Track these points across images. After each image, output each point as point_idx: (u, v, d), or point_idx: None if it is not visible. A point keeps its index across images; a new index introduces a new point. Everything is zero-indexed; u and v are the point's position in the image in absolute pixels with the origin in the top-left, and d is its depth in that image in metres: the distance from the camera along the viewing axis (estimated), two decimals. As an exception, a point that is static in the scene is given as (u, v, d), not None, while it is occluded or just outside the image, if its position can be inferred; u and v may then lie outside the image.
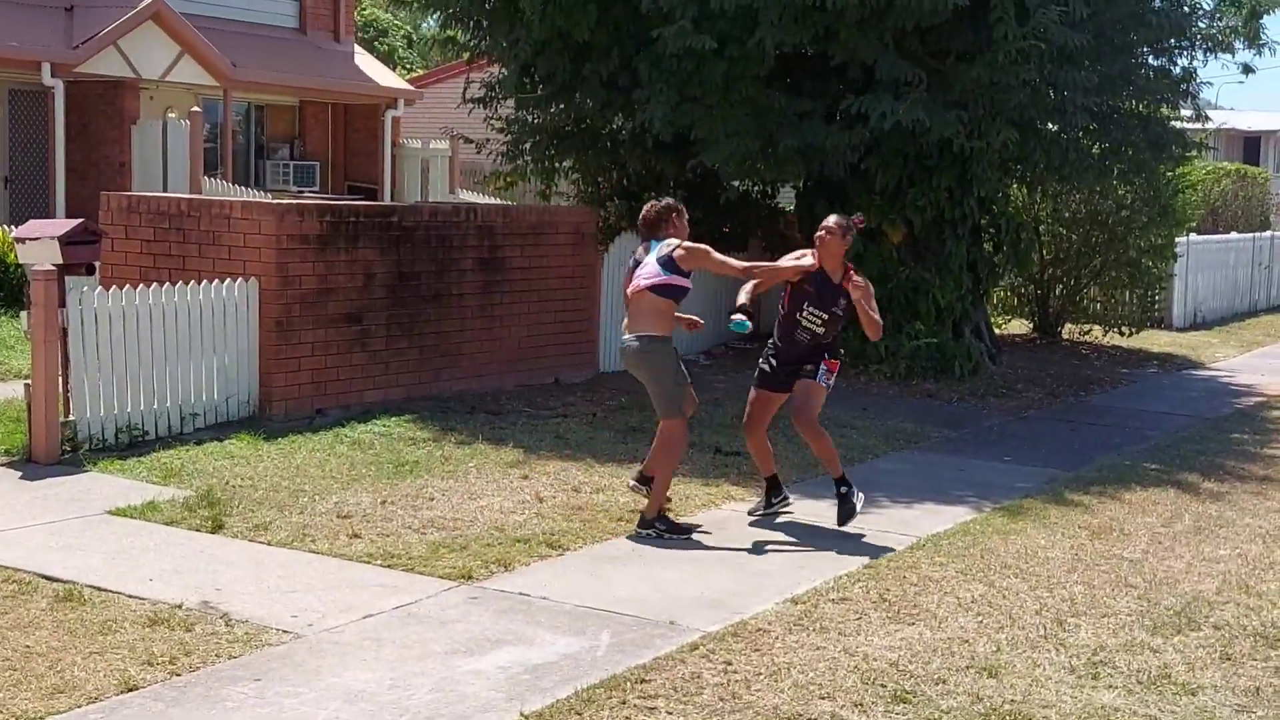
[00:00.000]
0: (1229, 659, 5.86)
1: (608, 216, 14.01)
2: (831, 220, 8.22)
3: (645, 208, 8.06)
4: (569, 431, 10.47)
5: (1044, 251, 17.42)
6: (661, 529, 7.72)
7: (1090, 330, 18.01)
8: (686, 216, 8.10)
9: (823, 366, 8.18)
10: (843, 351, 8.29)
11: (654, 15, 11.92)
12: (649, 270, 7.78)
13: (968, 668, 5.67)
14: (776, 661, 5.69)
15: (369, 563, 6.95)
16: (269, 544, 7.22)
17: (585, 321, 13.27)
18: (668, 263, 7.75)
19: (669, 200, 8.12)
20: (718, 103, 12.20)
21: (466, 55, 15.16)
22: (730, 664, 5.65)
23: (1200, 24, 14.45)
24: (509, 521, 7.82)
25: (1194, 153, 15.95)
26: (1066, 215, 17.55)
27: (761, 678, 5.50)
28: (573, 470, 9.14)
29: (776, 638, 5.99)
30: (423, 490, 8.43)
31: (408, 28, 43.80)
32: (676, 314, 7.99)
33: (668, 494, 7.99)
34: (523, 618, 6.20)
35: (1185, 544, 7.79)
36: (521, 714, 5.08)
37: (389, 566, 6.89)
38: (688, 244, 7.87)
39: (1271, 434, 11.61)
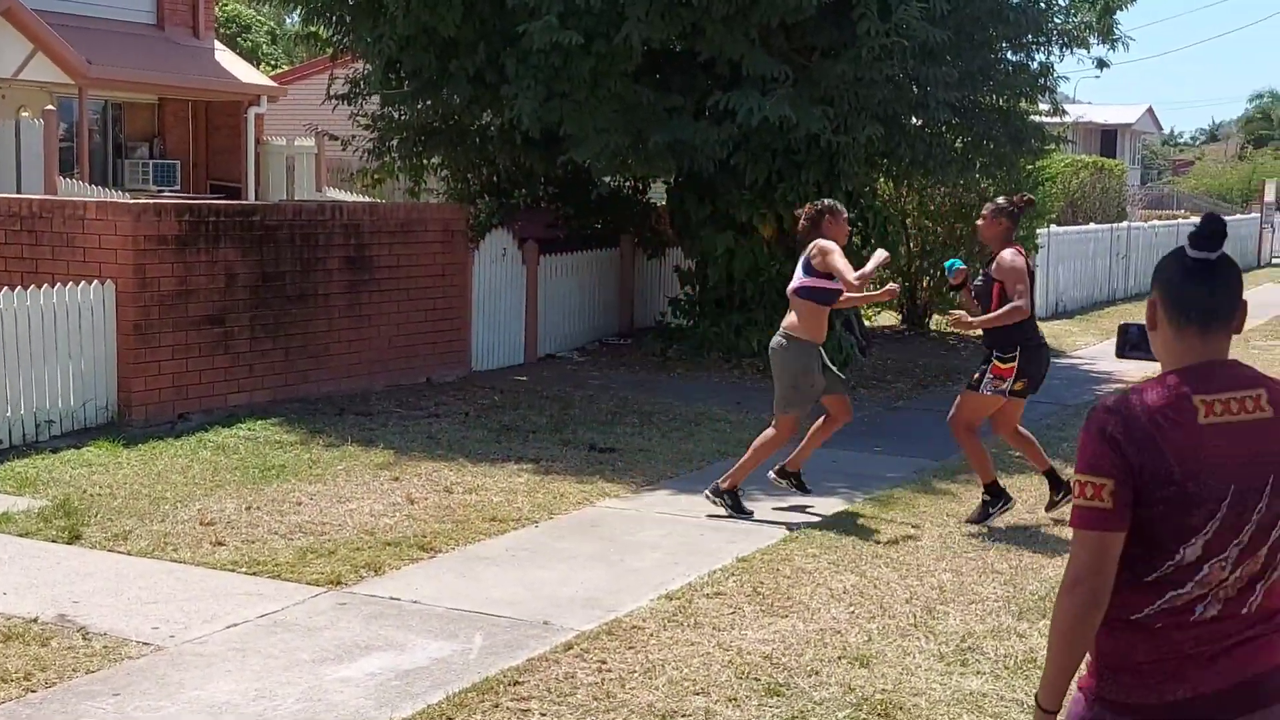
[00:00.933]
0: (1093, 642, 5.97)
1: (478, 213, 13.88)
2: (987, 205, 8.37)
3: (806, 208, 8.18)
4: (441, 431, 10.35)
5: (911, 244, 17.67)
6: (728, 503, 8.00)
7: (957, 321, 18.29)
8: (845, 216, 8.14)
9: (988, 373, 7.93)
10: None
11: (520, 10, 11.83)
12: (796, 273, 7.94)
13: (840, 658, 5.70)
14: (651, 658, 5.67)
15: (233, 571, 6.77)
16: (129, 554, 7.01)
17: (457, 320, 13.15)
18: (807, 265, 7.86)
19: (826, 201, 8.20)
20: (586, 98, 12.15)
21: (330, 51, 14.90)
22: (605, 663, 5.61)
23: (1056, 20, 14.76)
24: (379, 525, 7.69)
25: (1052, 146, 16.27)
26: (932, 208, 17.82)
27: (636, 675, 5.47)
28: (445, 471, 9.03)
29: (651, 634, 5.97)
30: (289, 495, 8.25)
31: (271, 23, 43.03)
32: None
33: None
34: (393, 623, 6.09)
35: (1049, 529, 7.94)
36: (392, 721, 4.99)
37: (254, 574, 6.73)
38: (823, 243, 7.85)
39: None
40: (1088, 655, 2.74)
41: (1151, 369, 2.83)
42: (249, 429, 9.99)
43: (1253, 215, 37.68)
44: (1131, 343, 3.08)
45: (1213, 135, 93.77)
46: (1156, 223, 30.16)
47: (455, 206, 13.94)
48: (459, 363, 13.14)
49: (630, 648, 5.79)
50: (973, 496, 8.68)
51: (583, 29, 11.57)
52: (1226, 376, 2.72)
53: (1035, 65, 14.68)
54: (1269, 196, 38.12)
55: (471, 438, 10.18)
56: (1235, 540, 2.65)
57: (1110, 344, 17.85)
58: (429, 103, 13.91)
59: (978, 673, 5.55)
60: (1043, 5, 14.49)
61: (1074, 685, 2.77)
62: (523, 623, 6.12)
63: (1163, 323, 2.78)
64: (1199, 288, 2.74)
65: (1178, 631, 2.66)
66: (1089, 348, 17.52)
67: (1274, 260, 36.72)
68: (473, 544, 7.43)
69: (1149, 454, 2.63)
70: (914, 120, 13.97)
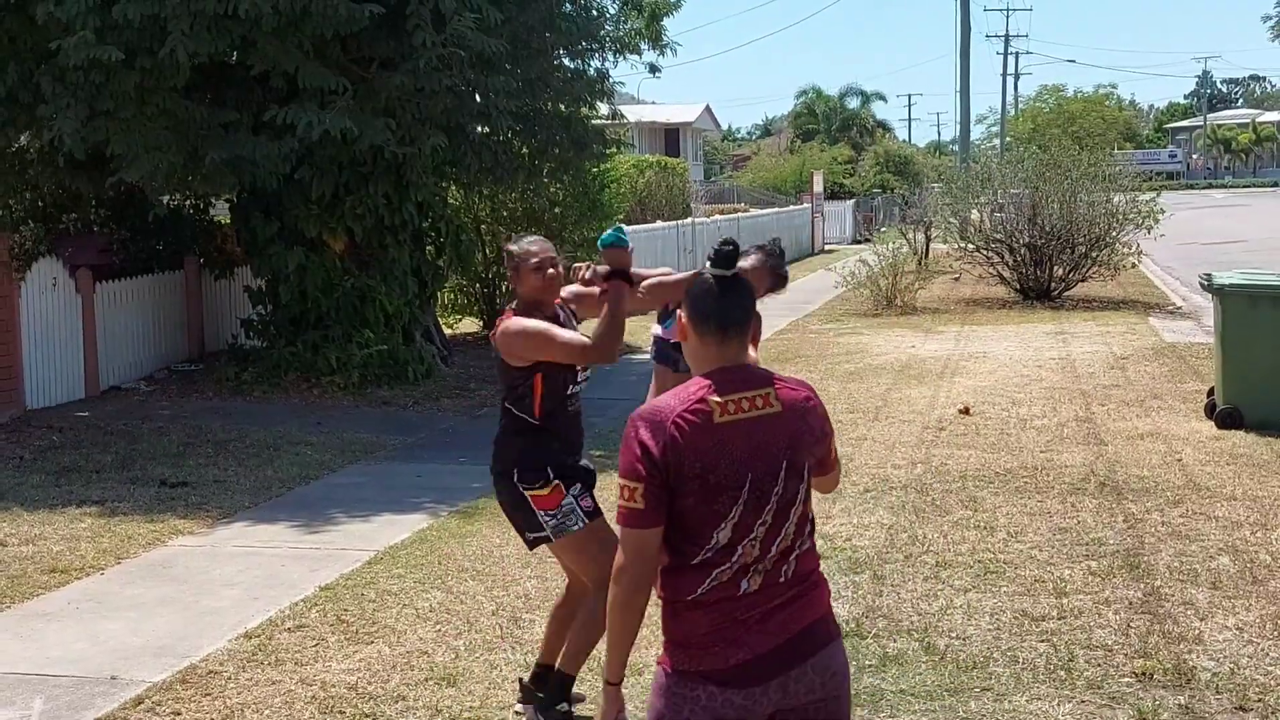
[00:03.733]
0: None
1: (23, 241, 12.98)
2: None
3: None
4: (-9, 480, 9.59)
5: (486, 250, 17.81)
6: None
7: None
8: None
9: None
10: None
11: (53, 25, 11.08)
12: None
13: (427, 680, 5.64)
14: (230, 704, 5.43)
15: None
16: None
17: (5, 356, 12.21)
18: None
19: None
20: (133, 117, 11.53)
21: None
22: (179, 714, 5.34)
23: (608, 27, 15.23)
24: (-79, 590, 7.04)
25: (614, 149, 16.81)
26: (505, 214, 18.04)
27: (213, 724, 5.23)
28: (-4, 523, 8.37)
29: (229, 678, 5.72)
30: None
31: None
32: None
33: None
34: (-61, 697, 5.58)
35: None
36: (-61, 809, 4.56)
37: None
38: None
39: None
40: (661, 634, 3.12)
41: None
42: None
43: (805, 206, 40.23)
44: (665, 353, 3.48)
45: (766, 130, 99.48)
46: (719, 217, 31.69)
47: (-3, 235, 12.95)
48: (10, 402, 12.21)
49: (206, 694, 5.53)
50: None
51: (123, 44, 10.97)
52: (740, 379, 3.11)
53: (592, 71, 15.08)
54: (818, 187, 40.77)
55: (27, 483, 9.48)
56: (760, 521, 3.05)
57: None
58: (-42, 126, 12.86)
59: (563, 678, 5.61)
60: (595, 13, 14.90)
61: (656, 664, 3.16)
62: (88, 680, 5.74)
63: (690, 333, 3.17)
64: (716, 301, 3.14)
65: (728, 604, 3.05)
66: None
67: (827, 247, 39.34)
68: (31, 600, 6.91)
69: (673, 454, 3.01)
70: (479, 129, 14.08)
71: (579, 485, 5.02)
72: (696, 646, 3.05)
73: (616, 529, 3.09)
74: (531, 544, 5.13)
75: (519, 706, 5.25)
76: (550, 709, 5.11)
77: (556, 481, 4.96)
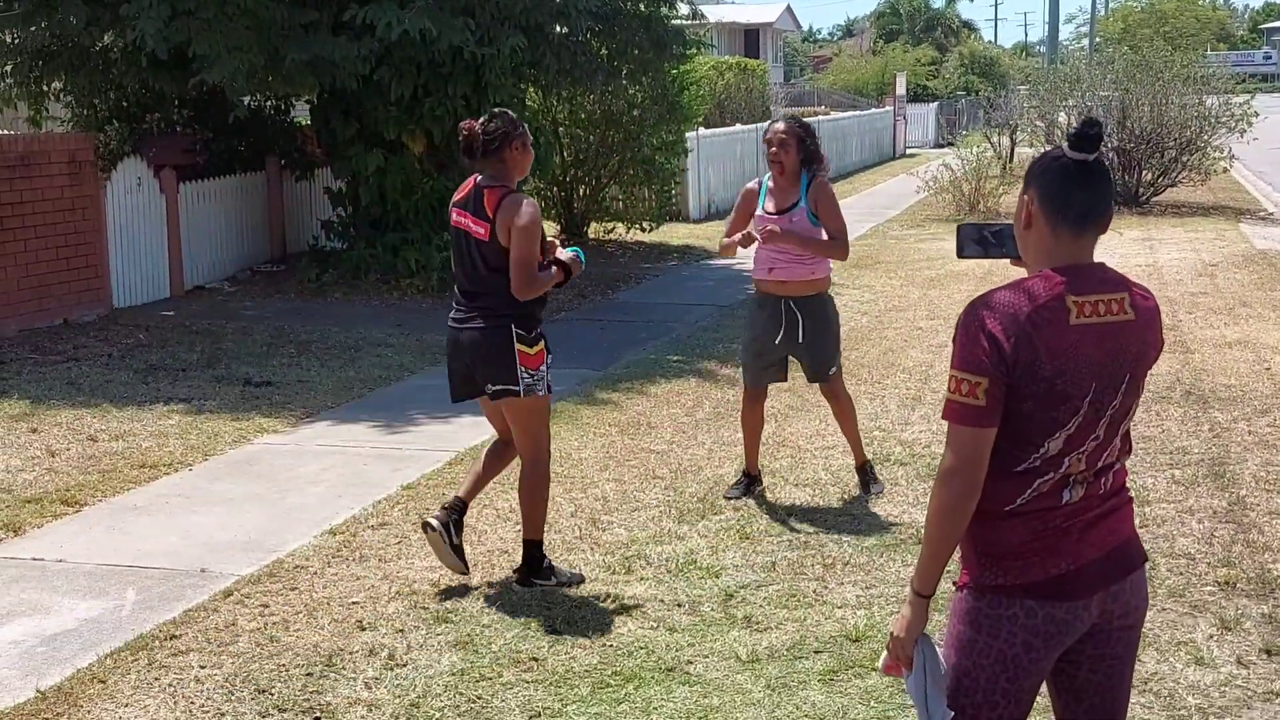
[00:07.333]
0: (747, 538, 6.21)
1: (108, 141, 13.11)
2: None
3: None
4: (82, 376, 9.79)
5: (564, 154, 17.73)
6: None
7: (614, 228, 18.57)
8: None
9: None
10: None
11: (135, -75, 11.10)
12: (802, 218, 6.69)
13: (507, 579, 5.71)
14: (315, 598, 5.54)
15: None
16: None
17: (92, 256, 12.40)
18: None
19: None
20: (214, 16, 11.55)
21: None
22: (267, 606, 5.46)
23: (690, -76, 14.96)
24: (17, 481, 7.23)
25: (694, 50, 16.58)
26: (583, 117, 17.91)
27: (300, 616, 5.35)
28: (87, 418, 8.56)
29: (315, 572, 5.84)
30: (-87, 458, 7.65)
31: None
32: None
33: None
34: (37, 585, 5.75)
35: (707, 431, 8.19)
36: (38, 690, 4.72)
37: (-125, 549, 6.22)
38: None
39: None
40: (958, 552, 2.86)
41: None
42: None
43: (887, 109, 39.61)
44: (971, 239, 3.12)
45: (848, 31, 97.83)
46: (799, 120, 31.24)
47: (81, 135, 13.08)
48: (98, 301, 12.43)
49: (293, 589, 5.65)
50: (635, 405, 8.86)
51: (205, -57, 10.97)
52: (1095, 279, 2.80)
53: (673, -30, 14.86)
54: (900, 90, 40.10)
55: (116, 381, 9.67)
56: (1093, 435, 2.79)
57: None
58: (43, 24, 12.94)
59: (641, 579, 5.68)
60: (677, -90, 14.65)
61: (954, 589, 2.91)
62: (178, 573, 5.88)
63: (1038, 222, 2.83)
64: (1076, 189, 2.79)
65: (1049, 514, 2.79)
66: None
67: (909, 151, 38.79)
68: (122, 494, 7.07)
69: (1024, 350, 2.71)
70: (557, 29, 13.94)
71: (551, 357, 5.52)
72: (1012, 557, 2.80)
73: (945, 425, 2.81)
74: (494, 395, 5.49)
75: (433, 519, 5.66)
76: (537, 575, 5.59)
77: (543, 344, 5.46)
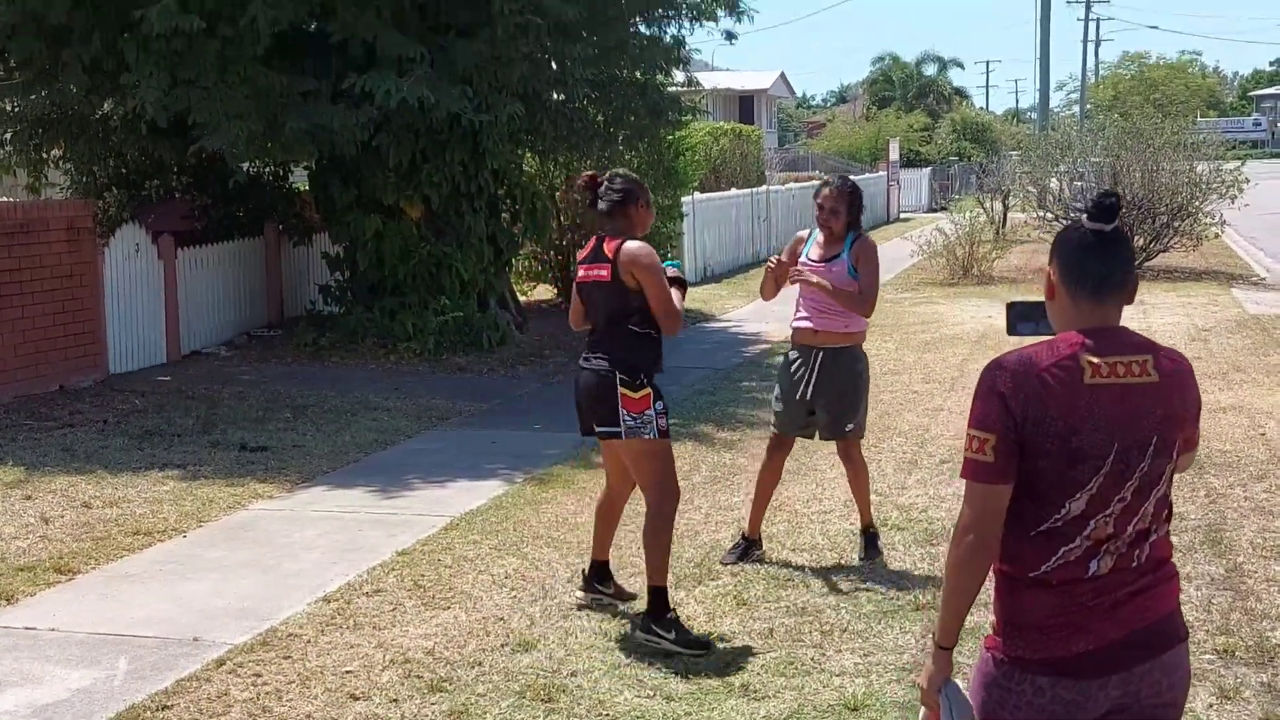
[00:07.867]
0: (744, 604, 6.18)
1: (107, 208, 13.20)
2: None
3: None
4: (77, 442, 9.78)
5: (561, 218, 17.83)
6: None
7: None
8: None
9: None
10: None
11: (136, -6, 11.22)
12: (842, 270, 6.71)
13: (503, 646, 5.69)
14: (309, 666, 5.51)
15: None
16: None
17: (89, 322, 12.42)
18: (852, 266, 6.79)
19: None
20: (215, 85, 11.65)
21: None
22: (260, 675, 5.42)
23: (684, -5, 15.13)
24: (10, 549, 7.20)
25: (689, 116, 16.72)
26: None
27: (293, 686, 5.31)
28: (82, 485, 8.54)
29: (309, 641, 5.80)
30: (-94, 526, 7.62)
31: None
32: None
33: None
34: (29, 654, 5.71)
35: (703, 495, 8.17)
36: (30, 764, 4.68)
37: None
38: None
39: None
40: (991, 617, 2.88)
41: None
42: None
43: (880, 173, 39.88)
44: (1021, 316, 3.16)
45: (841, 97, 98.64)
46: (793, 184, 31.48)
47: (80, 202, 13.16)
48: (94, 367, 12.43)
49: (287, 657, 5.62)
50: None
51: (205, 13, 11.09)
52: (1118, 341, 2.84)
53: (668, 38, 15.02)
54: (893, 155, 40.39)
55: (111, 446, 9.66)
56: (1118, 496, 2.78)
57: (756, 306, 18.56)
58: (44, 93, 13.07)
59: (638, 647, 5.64)
60: (671, -20, 14.81)
61: (981, 648, 2.92)
62: (172, 641, 5.85)
63: (1059, 291, 2.90)
64: (1093, 258, 2.86)
65: (1076, 586, 2.78)
66: (736, 310, 18.14)
67: (903, 215, 39.01)
68: (115, 562, 7.04)
69: (1033, 408, 2.75)
70: (555, 96, 14.08)
71: (662, 404, 5.67)
72: (1035, 630, 2.79)
73: (962, 484, 2.85)
74: (600, 436, 5.73)
75: (579, 593, 6.07)
76: (658, 623, 5.57)
77: (649, 390, 5.61)
